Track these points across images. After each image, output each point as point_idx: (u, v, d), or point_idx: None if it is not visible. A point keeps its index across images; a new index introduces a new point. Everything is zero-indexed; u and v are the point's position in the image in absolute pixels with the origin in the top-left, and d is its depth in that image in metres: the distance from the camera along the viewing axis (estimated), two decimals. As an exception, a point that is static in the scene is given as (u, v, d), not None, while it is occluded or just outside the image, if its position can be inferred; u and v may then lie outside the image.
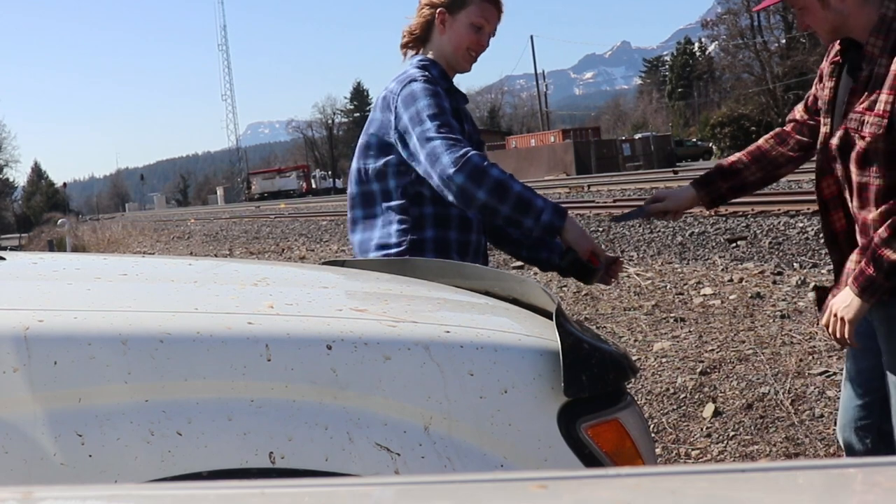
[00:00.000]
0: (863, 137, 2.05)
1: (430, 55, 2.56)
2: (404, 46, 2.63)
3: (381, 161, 2.46)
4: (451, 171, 2.21)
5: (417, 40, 2.60)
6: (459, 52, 2.53)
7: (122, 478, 1.22)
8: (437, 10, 2.53)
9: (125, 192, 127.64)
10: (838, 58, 2.20)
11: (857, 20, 2.06)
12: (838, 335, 2.12)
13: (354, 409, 1.33)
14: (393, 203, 2.46)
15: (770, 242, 8.56)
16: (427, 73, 2.45)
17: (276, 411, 1.29)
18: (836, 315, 2.10)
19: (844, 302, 2.08)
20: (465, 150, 2.25)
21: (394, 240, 2.46)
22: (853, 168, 2.10)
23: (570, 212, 2.32)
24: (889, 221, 2.00)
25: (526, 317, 1.72)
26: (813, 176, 2.30)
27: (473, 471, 1.33)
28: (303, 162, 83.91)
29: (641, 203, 2.60)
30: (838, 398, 2.64)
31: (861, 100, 2.07)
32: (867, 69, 2.07)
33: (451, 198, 2.27)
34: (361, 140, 2.55)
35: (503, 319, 1.69)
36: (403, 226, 2.46)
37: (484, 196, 2.22)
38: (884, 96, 2.01)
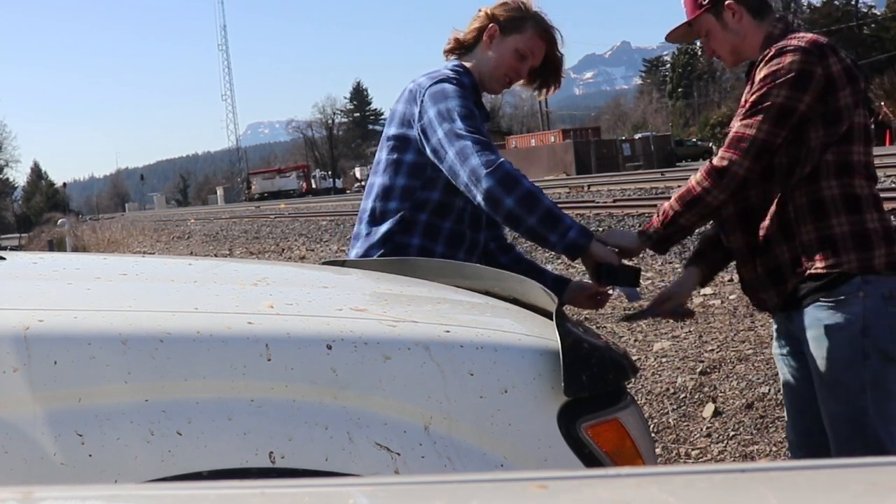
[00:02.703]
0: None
1: (467, 65, 2.52)
2: (449, 52, 2.58)
3: (396, 155, 2.43)
4: (483, 172, 2.19)
5: (463, 47, 2.55)
6: (497, 73, 2.49)
7: (122, 478, 1.22)
8: (490, 24, 2.48)
9: (125, 192, 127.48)
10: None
11: (752, 40, 2.24)
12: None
13: (354, 408, 1.33)
14: (392, 203, 2.43)
15: (770, 242, 8.55)
16: (459, 79, 2.41)
17: (276, 411, 1.29)
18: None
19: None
20: (497, 154, 2.24)
21: (378, 238, 2.43)
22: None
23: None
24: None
25: (526, 317, 1.72)
26: None
27: (473, 471, 1.33)
28: (303, 162, 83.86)
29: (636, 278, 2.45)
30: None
31: None
32: None
33: (478, 199, 2.24)
34: (385, 132, 2.52)
35: (503, 319, 1.69)
36: (392, 227, 2.42)
37: (512, 203, 2.19)
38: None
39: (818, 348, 2.13)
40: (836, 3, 54.52)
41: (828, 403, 2.15)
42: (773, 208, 2.16)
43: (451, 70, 2.46)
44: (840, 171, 2.10)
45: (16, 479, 1.19)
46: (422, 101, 2.35)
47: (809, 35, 2.15)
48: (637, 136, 48.05)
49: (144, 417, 1.24)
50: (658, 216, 2.26)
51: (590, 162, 40.29)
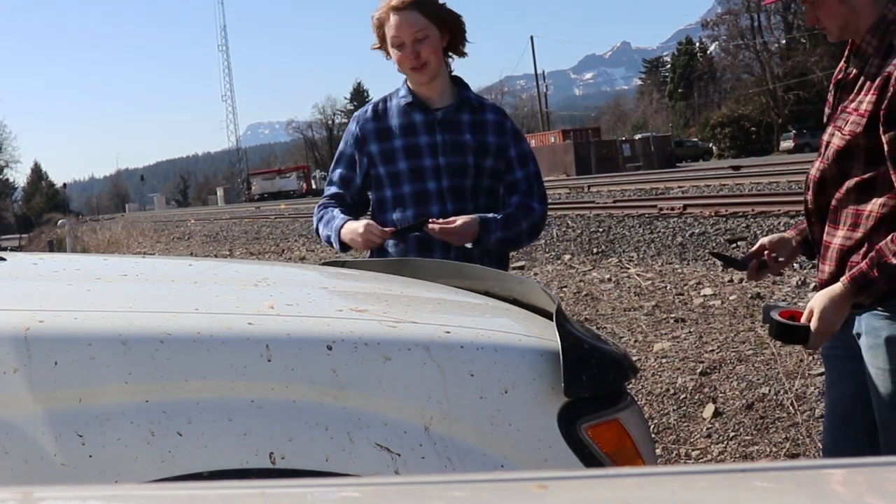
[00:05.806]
0: (844, 136, 2.09)
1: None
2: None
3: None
4: (314, 225, 2.80)
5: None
6: (405, 72, 2.67)
7: (123, 478, 1.22)
8: (379, 48, 2.68)
9: (125, 193, 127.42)
10: (841, 75, 2.22)
11: (865, 19, 2.08)
12: (818, 330, 2.06)
13: (354, 409, 1.33)
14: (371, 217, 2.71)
15: (770, 243, 8.54)
16: (366, 109, 2.72)
17: (277, 411, 1.29)
18: (819, 309, 2.05)
19: (832, 296, 2.04)
20: (322, 207, 2.73)
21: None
22: (832, 165, 2.13)
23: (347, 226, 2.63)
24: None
25: (526, 317, 1.72)
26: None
27: (473, 471, 1.33)
28: (303, 162, 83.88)
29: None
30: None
31: (850, 98, 2.10)
32: (858, 67, 2.10)
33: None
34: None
35: (503, 320, 1.69)
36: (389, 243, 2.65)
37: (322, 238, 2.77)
38: (869, 96, 2.03)
39: (874, 358, 2.10)
40: (836, 3, 54.47)
41: (882, 412, 2.13)
42: (850, 218, 2.09)
43: (383, 98, 2.74)
44: None
45: (16, 479, 1.19)
46: None
47: None
48: (637, 137, 48.06)
49: (145, 418, 1.24)
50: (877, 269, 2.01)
51: (590, 162, 40.29)
